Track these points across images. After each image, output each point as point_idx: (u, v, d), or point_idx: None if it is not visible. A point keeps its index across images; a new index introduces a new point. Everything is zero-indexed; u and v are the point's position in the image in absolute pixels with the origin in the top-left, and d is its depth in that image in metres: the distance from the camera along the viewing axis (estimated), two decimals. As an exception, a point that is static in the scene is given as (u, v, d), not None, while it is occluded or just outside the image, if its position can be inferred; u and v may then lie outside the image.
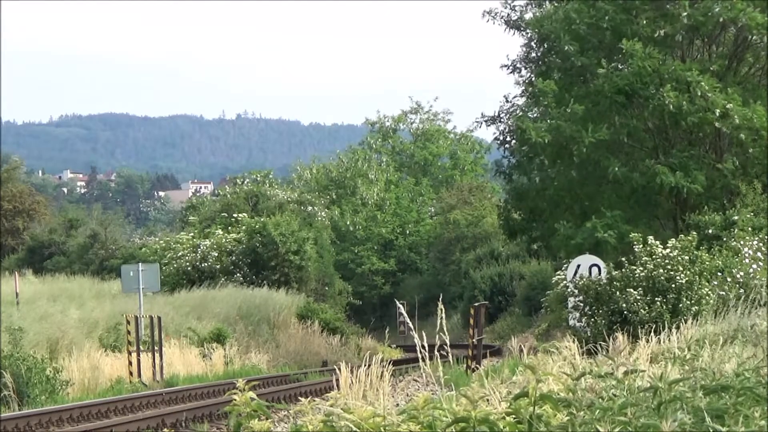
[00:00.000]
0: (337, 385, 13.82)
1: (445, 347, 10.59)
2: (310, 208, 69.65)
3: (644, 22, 35.68)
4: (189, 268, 55.64)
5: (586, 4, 36.74)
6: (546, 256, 55.23)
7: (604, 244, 33.50)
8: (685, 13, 35.45)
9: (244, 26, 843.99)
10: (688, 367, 12.32)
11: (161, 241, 62.79)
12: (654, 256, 26.08)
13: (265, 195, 67.93)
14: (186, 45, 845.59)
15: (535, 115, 38.51)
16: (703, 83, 34.38)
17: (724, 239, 31.41)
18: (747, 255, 29.98)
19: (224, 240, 56.78)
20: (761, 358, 11.11)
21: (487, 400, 9.48)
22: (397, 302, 15.70)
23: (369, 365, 13.34)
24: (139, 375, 33.28)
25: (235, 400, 8.40)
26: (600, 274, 27.71)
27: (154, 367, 34.04)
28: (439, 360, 10.48)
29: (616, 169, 35.22)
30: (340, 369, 13.73)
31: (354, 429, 7.59)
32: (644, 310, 25.28)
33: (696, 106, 34.48)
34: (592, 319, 25.99)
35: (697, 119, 34.57)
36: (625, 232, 33.11)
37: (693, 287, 25.69)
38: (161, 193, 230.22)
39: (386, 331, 29.35)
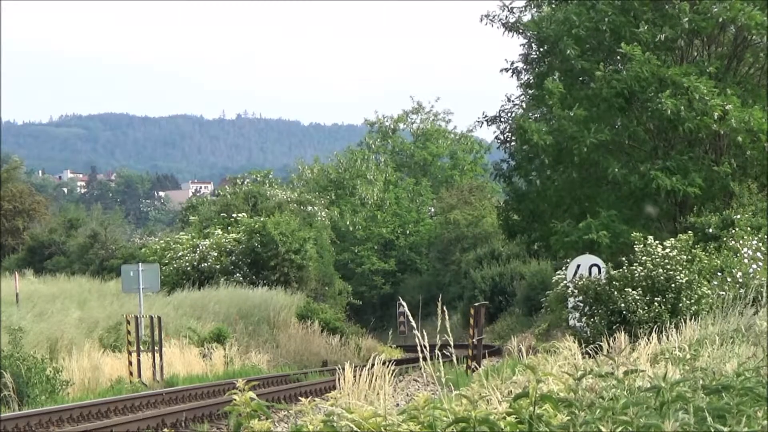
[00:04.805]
0: (338, 385, 13.80)
1: (449, 348, 10.58)
2: (309, 208, 69.58)
3: (645, 27, 35.58)
4: (189, 268, 55.63)
5: (585, 6, 36.67)
6: (546, 256, 55.18)
7: (598, 244, 33.45)
8: (686, 19, 35.39)
9: (244, 26, 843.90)
10: (688, 367, 12.33)
11: (161, 241, 62.72)
12: (653, 256, 26.06)
13: (264, 195, 67.86)
14: (186, 45, 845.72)
15: (536, 115, 38.45)
16: (701, 86, 34.29)
17: (723, 239, 31.37)
18: (746, 255, 29.95)
19: (224, 240, 56.78)
20: (761, 358, 11.10)
21: (488, 400, 9.48)
22: (400, 300, 15.70)
23: (373, 365, 13.32)
24: (139, 375, 33.28)
25: (235, 400, 8.39)
26: (600, 273, 27.69)
27: (154, 367, 34.05)
28: (440, 360, 10.46)
29: (616, 170, 35.16)
30: (342, 369, 13.71)
31: (354, 429, 7.59)
32: (643, 310, 25.27)
33: (694, 112, 34.39)
34: (592, 319, 25.99)
35: (694, 125, 34.51)
36: (620, 232, 33.04)
37: (692, 287, 25.68)
38: (161, 193, 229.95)
39: (390, 333, 29.42)
